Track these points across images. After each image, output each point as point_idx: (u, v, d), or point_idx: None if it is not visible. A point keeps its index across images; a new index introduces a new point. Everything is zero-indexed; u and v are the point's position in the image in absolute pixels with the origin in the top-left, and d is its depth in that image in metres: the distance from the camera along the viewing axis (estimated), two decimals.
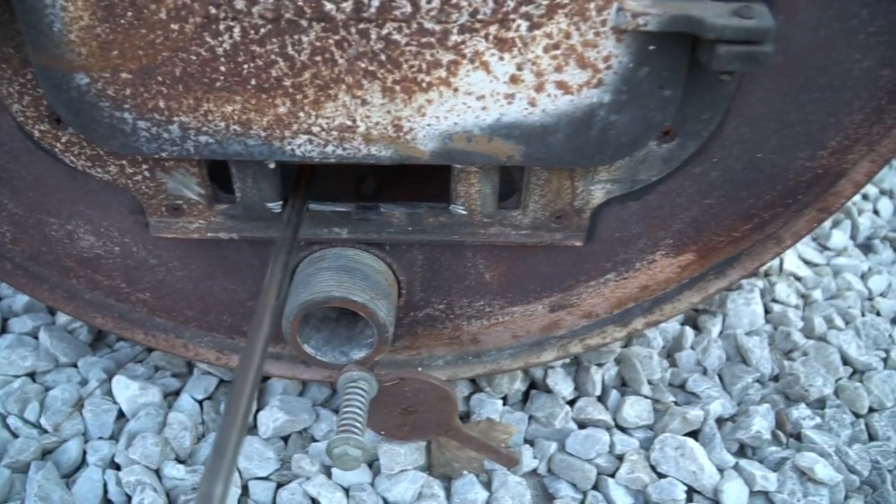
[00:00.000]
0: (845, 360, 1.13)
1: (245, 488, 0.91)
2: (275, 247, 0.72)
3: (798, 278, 1.28)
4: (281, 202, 0.80)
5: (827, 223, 1.41)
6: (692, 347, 1.12)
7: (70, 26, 0.64)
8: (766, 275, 1.27)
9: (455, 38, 0.64)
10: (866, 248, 1.40)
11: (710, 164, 0.78)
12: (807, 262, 1.32)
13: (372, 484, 0.91)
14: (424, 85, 0.67)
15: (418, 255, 0.86)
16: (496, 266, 0.87)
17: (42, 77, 0.67)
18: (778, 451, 0.98)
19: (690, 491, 0.93)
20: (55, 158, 0.78)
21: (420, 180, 1.04)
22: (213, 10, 0.63)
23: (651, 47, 0.64)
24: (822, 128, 0.76)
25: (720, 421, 1.02)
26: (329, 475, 0.91)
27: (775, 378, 1.10)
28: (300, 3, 0.62)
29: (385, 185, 1.06)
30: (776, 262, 1.28)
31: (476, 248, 0.85)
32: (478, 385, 1.03)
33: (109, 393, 1.00)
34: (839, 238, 1.37)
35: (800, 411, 1.03)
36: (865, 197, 1.50)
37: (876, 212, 1.47)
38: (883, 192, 1.52)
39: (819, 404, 1.06)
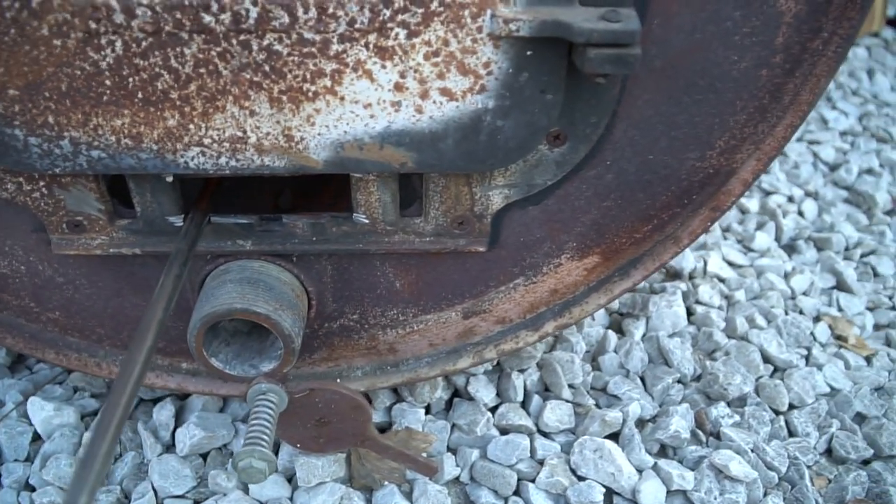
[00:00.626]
0: (766, 359, 1.15)
1: None
2: (169, 258, 0.72)
3: (722, 280, 1.30)
4: (183, 216, 0.80)
5: (751, 225, 1.44)
6: (615, 351, 1.13)
7: None
8: (691, 277, 1.29)
9: (336, 47, 0.65)
10: (790, 248, 1.43)
11: (604, 166, 0.79)
12: (731, 264, 1.34)
13: (290, 498, 0.91)
14: (311, 94, 0.68)
15: (327, 266, 0.86)
16: (406, 274, 0.88)
17: None
18: (697, 449, 1.00)
19: (610, 493, 0.94)
20: None
21: (338, 192, 1.05)
22: (93, 25, 0.63)
23: (528, 52, 0.66)
24: (709, 128, 0.78)
25: (641, 422, 1.03)
26: (247, 491, 0.91)
27: (697, 378, 1.12)
28: (178, 16, 0.63)
29: (303, 198, 1.07)
30: (700, 264, 1.31)
31: (383, 257, 0.86)
32: (400, 395, 1.04)
33: (26, 415, 0.98)
34: (763, 239, 1.40)
35: (719, 410, 1.05)
36: (791, 199, 1.54)
37: (801, 213, 1.51)
38: (808, 194, 1.56)
39: (739, 403, 1.08)
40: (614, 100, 0.74)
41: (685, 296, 1.24)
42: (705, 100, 0.76)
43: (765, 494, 0.96)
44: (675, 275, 1.29)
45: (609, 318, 1.20)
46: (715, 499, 0.93)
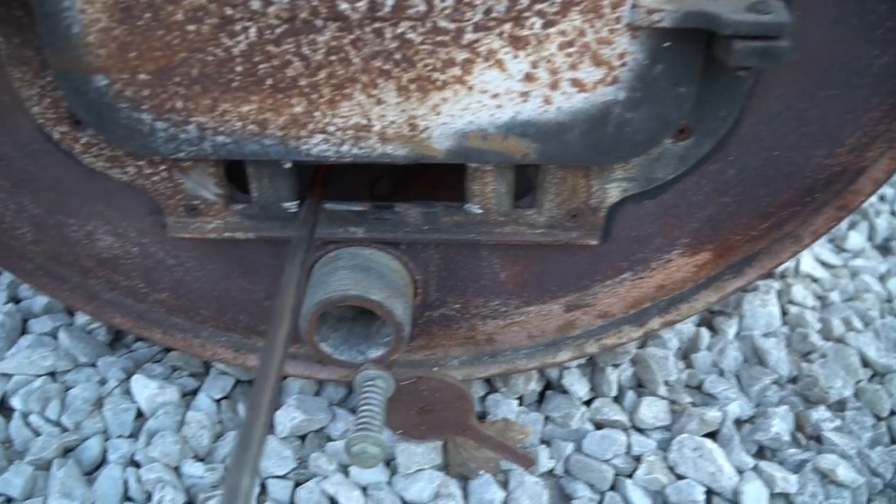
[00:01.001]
0: (865, 363, 1.12)
1: (263, 487, 0.91)
2: (291, 246, 0.72)
3: (815, 280, 1.27)
4: (297, 202, 0.80)
5: (844, 224, 1.40)
6: (708, 349, 1.11)
7: (88, 28, 0.65)
8: (783, 276, 1.26)
9: (469, 36, 0.64)
10: (884, 249, 1.38)
11: (727, 161, 0.77)
12: (823, 264, 1.30)
13: (389, 483, 0.92)
14: (439, 83, 0.67)
15: (434, 255, 0.86)
16: (512, 265, 0.87)
17: (61, 79, 0.68)
18: (798, 453, 0.97)
19: (709, 492, 0.92)
20: (74, 160, 0.79)
21: (434, 181, 1.04)
22: (229, 11, 0.64)
23: (666, 44, 0.64)
24: (841, 125, 0.75)
25: (738, 422, 1.01)
26: (347, 474, 0.91)
27: (793, 380, 1.09)
28: (315, 4, 0.62)
29: (399, 185, 1.07)
30: (792, 263, 1.27)
31: (491, 248, 0.85)
32: (493, 385, 1.03)
33: (128, 392, 1.01)
34: (856, 239, 1.36)
35: (819, 413, 1.02)
36: (883, 198, 1.48)
37: (893, 213, 1.46)
38: None
39: (839, 406, 1.05)
40: (746, 93, 0.72)
41: (778, 295, 1.21)
42: (840, 95, 0.73)
43: (869, 501, 0.94)
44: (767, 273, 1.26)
45: (700, 315, 1.18)
46: (819, 502, 0.91)
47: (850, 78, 0.71)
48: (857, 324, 1.18)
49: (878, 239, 1.40)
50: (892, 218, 1.45)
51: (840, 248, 1.37)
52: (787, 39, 0.60)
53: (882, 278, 1.30)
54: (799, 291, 1.23)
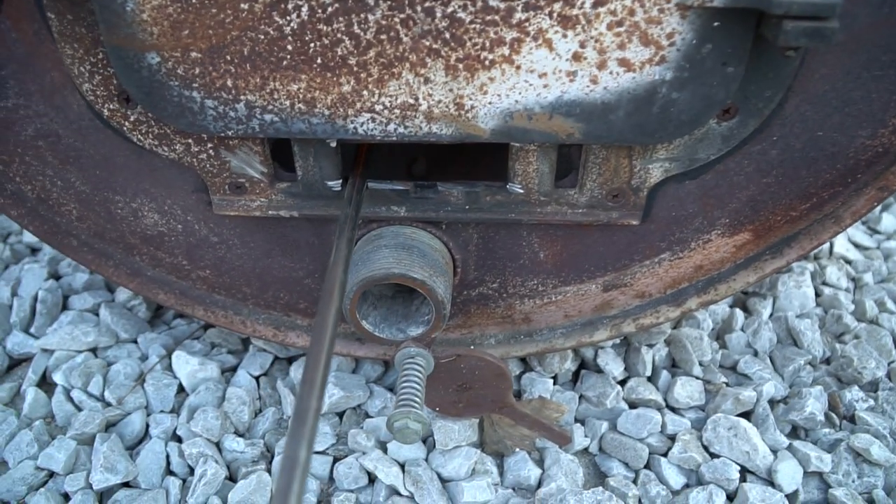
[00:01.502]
0: None
1: None
2: (338, 223, 0.73)
3: (848, 261, 1.26)
4: (340, 181, 0.81)
5: (877, 206, 1.39)
6: (742, 329, 1.11)
7: (142, 6, 0.66)
8: (816, 258, 1.26)
9: (519, 15, 0.65)
10: None
11: (770, 142, 0.77)
12: (857, 246, 1.30)
13: (426, 459, 0.93)
14: (487, 63, 0.67)
15: (474, 234, 0.87)
16: (551, 245, 0.87)
17: (114, 56, 0.69)
18: (831, 432, 0.98)
19: (744, 471, 0.93)
20: (123, 137, 0.80)
21: (470, 162, 1.05)
22: None
23: (716, 23, 0.64)
24: (885, 105, 0.75)
25: (772, 402, 1.01)
26: (385, 450, 0.93)
27: (827, 361, 1.10)
28: None
29: (435, 166, 1.07)
30: (826, 245, 1.27)
31: (531, 227, 0.86)
32: (528, 364, 1.04)
33: (169, 368, 1.03)
34: (890, 221, 1.35)
35: (853, 393, 1.02)
36: None
37: None
38: None
39: (872, 387, 1.06)
40: (792, 74, 0.71)
41: (812, 276, 1.21)
42: (885, 76, 0.73)
43: None
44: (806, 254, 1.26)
45: (734, 296, 1.18)
46: (853, 482, 0.92)
47: (895, 59, 0.71)
48: (891, 305, 1.18)
49: None
50: None
51: (873, 230, 1.37)
52: (836, 20, 0.60)
53: None
54: (833, 273, 1.23)
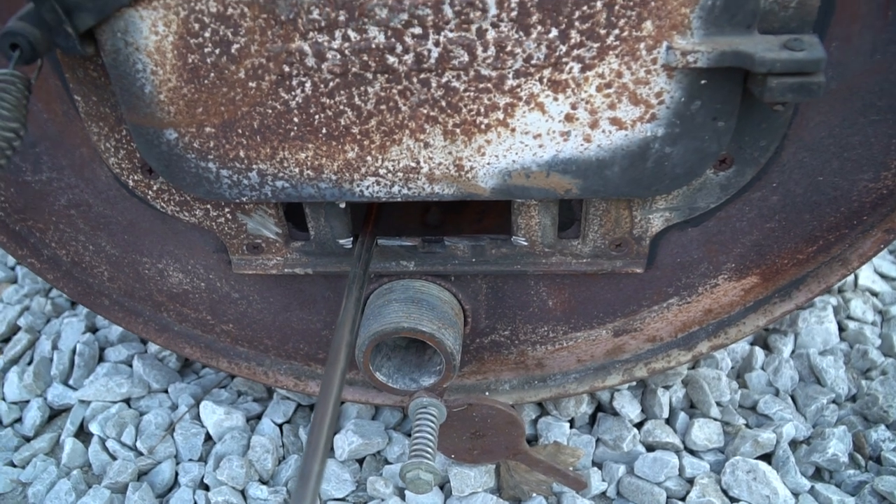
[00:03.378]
0: None
1: None
2: (347, 283, 0.77)
3: (874, 294, 1.25)
4: (351, 238, 0.85)
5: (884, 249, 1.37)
6: (763, 368, 1.11)
7: (159, 88, 0.70)
8: (840, 291, 1.24)
9: (511, 82, 0.67)
10: None
11: (770, 188, 0.78)
12: (883, 277, 1.28)
13: None
14: (483, 127, 0.70)
15: (482, 285, 0.89)
16: (559, 293, 0.89)
17: (135, 133, 0.74)
18: (856, 474, 0.97)
19: None
20: (147, 205, 0.85)
21: (483, 208, 1.07)
22: (286, 69, 0.68)
23: (703, 82, 0.66)
24: (885, 149, 0.75)
25: (794, 443, 1.01)
26: (403, 497, 0.95)
27: (852, 398, 1.08)
28: (365, 58, 0.66)
29: (450, 213, 1.10)
30: (850, 277, 1.26)
31: (538, 277, 0.88)
32: (545, 408, 1.05)
33: (198, 417, 1.07)
34: None
35: (879, 433, 1.01)
36: None
37: None
38: None
39: None
40: (786, 123, 0.72)
41: (835, 310, 1.20)
42: (883, 120, 0.73)
43: None
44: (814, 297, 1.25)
45: (754, 334, 1.18)
46: None
47: (892, 103, 0.72)
48: None
49: None
50: None
51: None
52: (822, 74, 0.61)
53: None
54: (858, 306, 1.21)
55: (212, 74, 0.69)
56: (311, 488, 0.53)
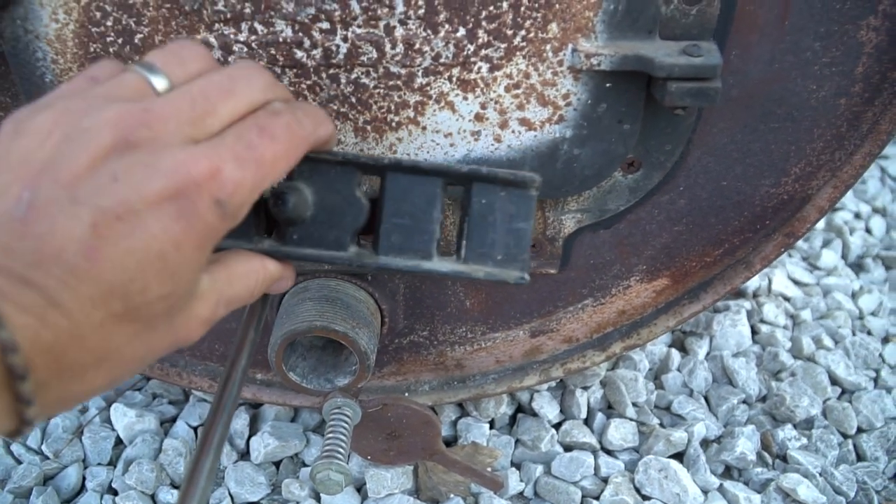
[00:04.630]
0: (834, 381, 1.14)
1: None
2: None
3: (787, 298, 1.29)
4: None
5: (817, 242, 1.42)
6: (678, 369, 1.13)
7: (60, 77, 0.68)
8: (755, 295, 1.28)
9: (420, 80, 0.68)
10: (857, 267, 1.41)
11: (677, 192, 0.80)
12: (796, 282, 1.33)
13: None
14: (394, 124, 0.70)
15: (400, 284, 0.89)
16: (476, 294, 0.89)
17: None
18: (763, 472, 0.99)
19: None
20: None
21: None
22: None
23: (608, 84, 0.67)
24: (785, 156, 0.78)
25: (706, 443, 1.03)
26: (318, 499, 0.94)
27: (763, 399, 1.11)
28: (273, 52, 0.66)
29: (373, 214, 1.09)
30: (764, 282, 1.30)
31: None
32: (465, 409, 1.06)
33: (108, 420, 1.03)
34: (829, 257, 1.38)
35: (786, 432, 1.04)
36: (858, 216, 1.51)
37: (868, 230, 1.48)
38: (876, 210, 1.53)
39: (806, 425, 1.07)
40: (690, 128, 0.75)
41: (749, 314, 1.23)
42: (782, 128, 0.76)
43: None
44: (738, 293, 1.29)
45: (672, 336, 1.20)
46: None
47: (791, 112, 0.74)
48: (828, 342, 1.21)
49: (851, 257, 1.42)
50: (867, 235, 1.48)
51: (813, 266, 1.39)
52: (719, 80, 0.63)
53: (854, 296, 1.33)
54: (770, 310, 1.25)
55: None
56: (199, 486, 0.52)
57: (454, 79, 0.68)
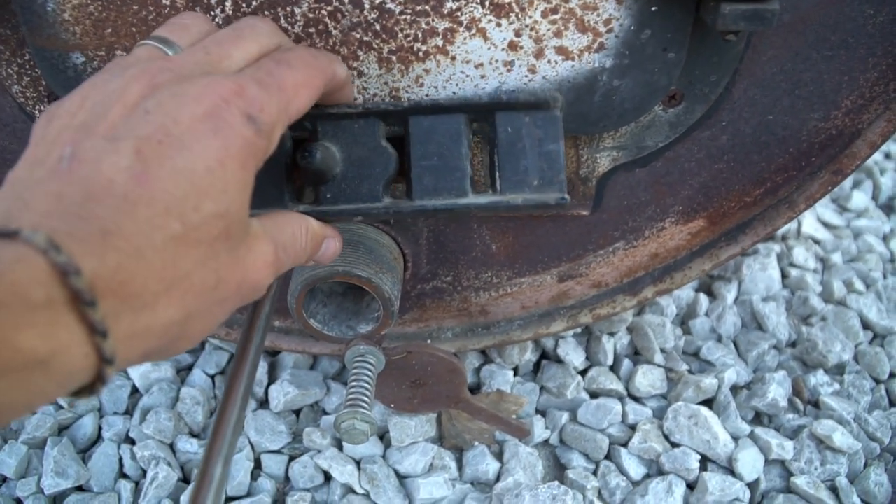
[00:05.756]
0: (865, 325, 1.11)
1: (258, 462, 0.91)
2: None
3: (816, 241, 1.25)
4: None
5: (847, 183, 1.37)
6: (706, 314, 1.10)
7: (63, 5, 0.63)
8: (784, 238, 1.24)
9: (450, 4, 0.62)
10: (888, 208, 1.36)
11: (720, 127, 0.75)
12: (826, 225, 1.29)
13: (383, 456, 0.92)
14: (421, 55, 0.65)
15: (424, 228, 0.85)
16: (502, 237, 0.86)
17: (38, 58, 0.67)
18: (795, 418, 0.97)
19: (704, 460, 0.92)
20: None
21: None
22: None
23: (653, 8, 0.62)
24: (836, 87, 0.73)
25: (735, 389, 1.01)
26: (340, 448, 0.92)
27: (793, 344, 1.09)
28: None
29: (399, 151, 1.05)
30: (793, 225, 1.26)
31: (481, 220, 0.84)
32: (488, 356, 1.03)
33: (124, 369, 1.01)
34: (860, 199, 1.34)
35: (818, 378, 1.01)
36: (888, 156, 1.46)
37: None
38: None
39: (838, 370, 1.05)
40: (738, 57, 0.69)
41: (778, 257, 1.19)
42: (835, 56, 0.71)
43: (865, 465, 0.93)
44: (760, 240, 1.24)
45: (699, 280, 1.17)
46: (815, 469, 0.91)
47: (846, 38, 0.69)
48: (859, 285, 1.17)
49: (882, 198, 1.38)
50: None
51: (843, 208, 1.35)
52: (776, 2, 0.58)
53: (885, 238, 1.29)
54: (800, 253, 1.21)
55: None
56: (226, 442, 0.49)
57: (487, 3, 0.62)
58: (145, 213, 0.39)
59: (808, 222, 1.27)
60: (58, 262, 0.34)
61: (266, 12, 0.63)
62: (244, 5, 0.63)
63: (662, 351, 1.03)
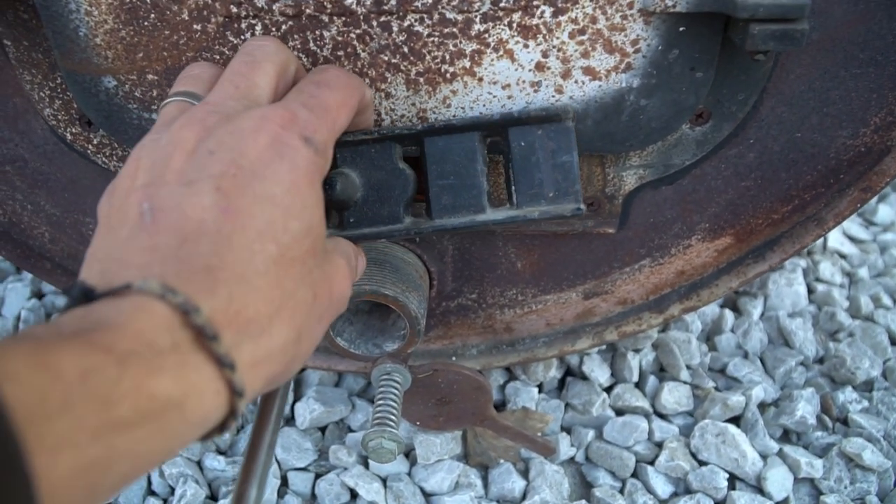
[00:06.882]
0: (893, 341, 1.10)
1: (284, 479, 0.92)
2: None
3: (843, 256, 1.24)
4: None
5: (873, 198, 1.36)
6: (732, 330, 1.09)
7: (95, 30, 0.64)
8: (809, 253, 1.23)
9: (478, 27, 0.63)
10: None
11: (747, 145, 0.75)
12: (852, 239, 1.28)
13: (409, 474, 0.92)
14: (448, 76, 0.66)
15: (449, 246, 0.85)
16: (527, 255, 0.86)
17: (70, 81, 0.68)
18: (824, 436, 0.96)
19: (732, 478, 0.91)
20: (88, 160, 0.79)
21: None
22: (234, 9, 0.63)
23: (681, 28, 0.62)
24: (865, 104, 0.72)
25: (763, 406, 1.00)
26: (366, 465, 0.92)
27: (820, 360, 1.07)
28: None
29: (417, 172, 1.06)
30: (820, 239, 1.25)
31: (507, 238, 0.84)
32: (513, 373, 1.03)
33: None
34: (886, 213, 1.33)
35: (846, 395, 1.00)
36: None
37: None
38: None
39: (866, 387, 1.03)
40: (766, 75, 0.69)
41: (804, 273, 1.18)
42: (864, 73, 0.70)
43: (895, 484, 0.92)
44: (788, 257, 1.24)
45: (717, 301, 1.16)
46: (845, 487, 0.90)
47: (874, 56, 0.69)
48: (887, 300, 1.16)
49: None
50: None
51: (869, 222, 1.34)
52: (806, 21, 0.58)
53: None
54: (826, 268, 1.20)
55: (152, 15, 0.64)
56: (259, 464, 0.50)
57: (514, 25, 0.63)
58: (241, 241, 0.40)
59: (834, 237, 1.26)
60: (177, 303, 0.35)
61: (295, 36, 0.64)
62: (274, 29, 0.63)
63: (688, 367, 1.03)
